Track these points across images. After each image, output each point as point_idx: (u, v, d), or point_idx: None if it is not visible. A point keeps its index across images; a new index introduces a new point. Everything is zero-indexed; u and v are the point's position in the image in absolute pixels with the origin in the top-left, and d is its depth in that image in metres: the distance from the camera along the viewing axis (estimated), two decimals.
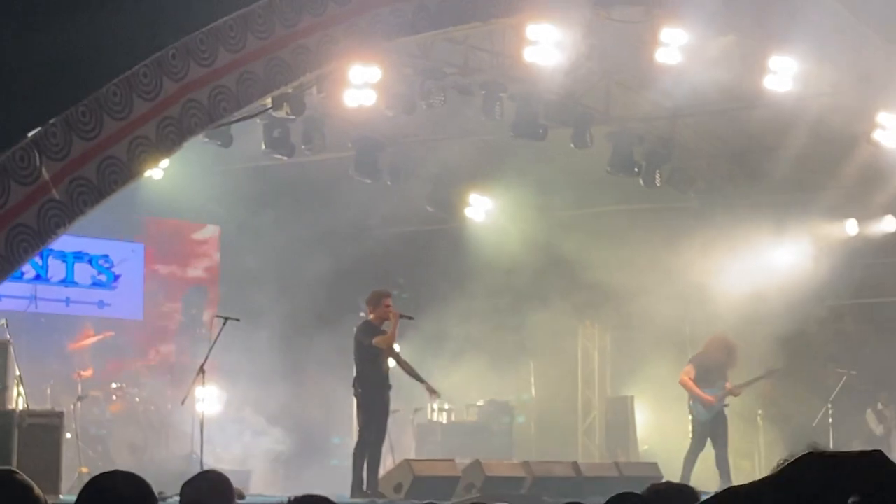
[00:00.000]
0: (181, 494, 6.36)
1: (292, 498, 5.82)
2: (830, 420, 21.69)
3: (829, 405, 21.76)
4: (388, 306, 16.80)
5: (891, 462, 3.00)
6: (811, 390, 22.32)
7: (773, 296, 22.07)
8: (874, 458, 3.15)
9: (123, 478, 5.32)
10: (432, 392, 17.94)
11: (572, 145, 20.48)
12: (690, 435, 20.45)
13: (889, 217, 22.14)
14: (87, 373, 19.84)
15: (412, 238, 21.46)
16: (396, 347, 17.36)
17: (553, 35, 17.05)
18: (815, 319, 21.22)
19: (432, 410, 22.76)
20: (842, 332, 22.19)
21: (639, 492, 6.32)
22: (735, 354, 20.45)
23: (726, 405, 20.28)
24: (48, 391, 19.01)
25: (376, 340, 16.52)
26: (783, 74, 18.87)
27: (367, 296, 17.13)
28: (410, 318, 17.25)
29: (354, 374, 16.67)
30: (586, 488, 15.60)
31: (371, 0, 15.91)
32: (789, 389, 22.93)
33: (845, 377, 22.04)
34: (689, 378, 20.52)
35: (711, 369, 20.39)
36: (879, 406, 22.68)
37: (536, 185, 21.14)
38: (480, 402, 23.20)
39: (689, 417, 21.01)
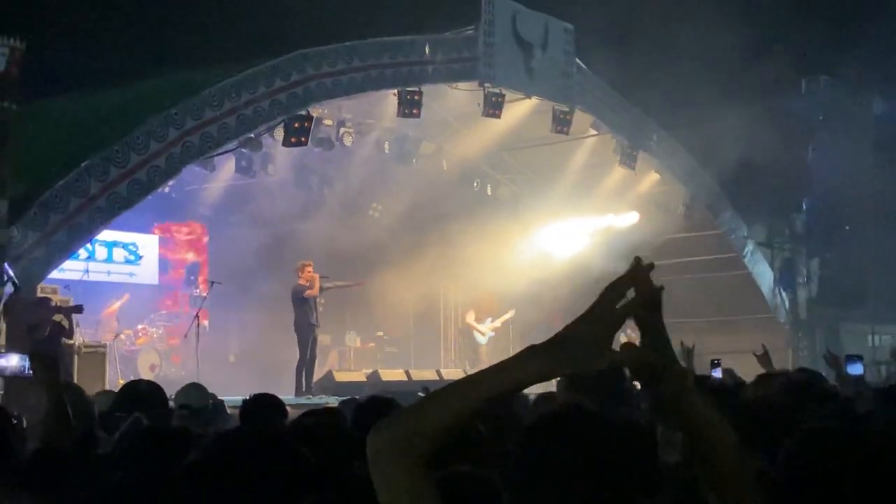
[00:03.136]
0: (175, 398, 6.32)
1: (250, 396, 6.01)
2: None
3: None
4: (309, 271, 16.61)
5: None
6: None
7: (557, 266, 22.60)
8: None
9: (146, 384, 5.69)
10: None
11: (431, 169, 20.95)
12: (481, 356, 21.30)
13: (634, 213, 22.73)
14: (123, 332, 19.70)
15: (333, 230, 21.60)
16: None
17: (422, 98, 17.42)
18: (586, 282, 21.77)
19: (349, 341, 23.04)
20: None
21: None
22: (493, 302, 21.73)
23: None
24: (97, 330, 19.01)
25: (307, 293, 16.40)
26: (565, 125, 19.23)
27: (296, 265, 16.77)
28: (326, 277, 17.28)
29: (293, 319, 16.85)
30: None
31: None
32: None
33: None
34: (471, 319, 21.59)
35: (483, 312, 21.60)
36: (627, 335, 23.32)
37: (410, 193, 21.39)
38: (379, 334, 23.47)
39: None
